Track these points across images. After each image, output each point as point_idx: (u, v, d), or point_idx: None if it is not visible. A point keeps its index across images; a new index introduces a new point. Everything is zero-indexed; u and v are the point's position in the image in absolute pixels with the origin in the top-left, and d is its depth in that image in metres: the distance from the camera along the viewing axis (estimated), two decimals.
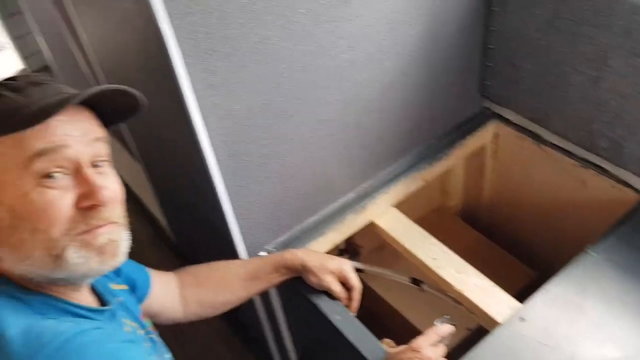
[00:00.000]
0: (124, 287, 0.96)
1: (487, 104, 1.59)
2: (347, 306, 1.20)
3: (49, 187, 0.68)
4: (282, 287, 1.40)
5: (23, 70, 3.49)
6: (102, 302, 0.84)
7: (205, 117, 1.06)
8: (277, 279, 1.18)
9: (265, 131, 1.16)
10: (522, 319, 1.12)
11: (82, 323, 0.68)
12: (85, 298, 0.80)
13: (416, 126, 1.46)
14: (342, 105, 1.25)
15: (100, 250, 0.72)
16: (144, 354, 0.72)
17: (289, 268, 1.17)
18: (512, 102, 1.49)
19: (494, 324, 1.19)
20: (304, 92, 1.17)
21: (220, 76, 1.03)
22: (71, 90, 0.74)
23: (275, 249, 1.34)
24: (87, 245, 0.71)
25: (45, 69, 3.41)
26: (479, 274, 1.32)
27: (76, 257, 0.70)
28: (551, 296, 1.15)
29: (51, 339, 0.63)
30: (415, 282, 1.49)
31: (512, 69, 1.42)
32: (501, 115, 1.58)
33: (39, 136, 0.67)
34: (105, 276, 0.90)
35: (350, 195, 1.44)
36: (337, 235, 1.41)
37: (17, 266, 0.70)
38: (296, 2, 1.05)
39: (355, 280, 1.20)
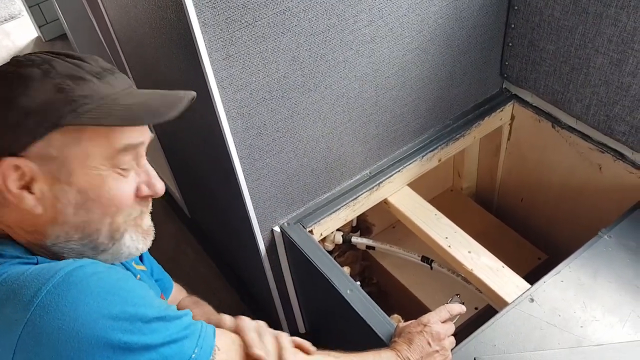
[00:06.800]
0: (144, 268, 0.97)
1: (506, 84, 1.58)
2: None
3: (121, 175, 0.72)
4: (293, 261, 1.42)
5: (38, 44, 3.49)
6: None
7: (221, 89, 1.06)
8: None
9: (281, 105, 1.16)
10: (531, 300, 1.12)
11: (79, 260, 0.69)
12: None
13: (434, 105, 1.45)
14: (360, 82, 1.25)
15: (146, 233, 0.78)
16: (146, 288, 0.72)
17: None
18: (531, 83, 1.47)
19: (503, 303, 1.19)
20: (323, 67, 1.16)
21: (239, 47, 1.03)
22: (133, 83, 0.76)
23: (287, 224, 1.35)
24: (137, 229, 0.76)
25: (62, 37, 3.41)
26: (490, 254, 1.32)
27: (129, 240, 0.75)
28: (562, 278, 1.15)
29: (52, 274, 0.63)
30: (426, 260, 1.50)
31: (533, 50, 1.41)
32: (519, 97, 1.56)
33: (129, 132, 0.71)
34: None
35: (365, 172, 1.44)
36: (349, 212, 1.41)
37: (64, 244, 0.72)
38: None
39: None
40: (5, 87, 0.67)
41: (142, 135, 0.73)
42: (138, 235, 0.77)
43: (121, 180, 0.72)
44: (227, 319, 0.90)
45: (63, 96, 0.67)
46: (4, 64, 0.71)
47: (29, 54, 0.71)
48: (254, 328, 0.85)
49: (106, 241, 0.73)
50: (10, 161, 0.66)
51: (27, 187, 0.69)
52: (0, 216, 0.71)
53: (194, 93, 0.76)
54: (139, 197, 0.75)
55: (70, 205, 0.70)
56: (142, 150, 0.74)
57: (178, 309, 1.05)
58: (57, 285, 0.62)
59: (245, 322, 0.87)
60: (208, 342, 0.70)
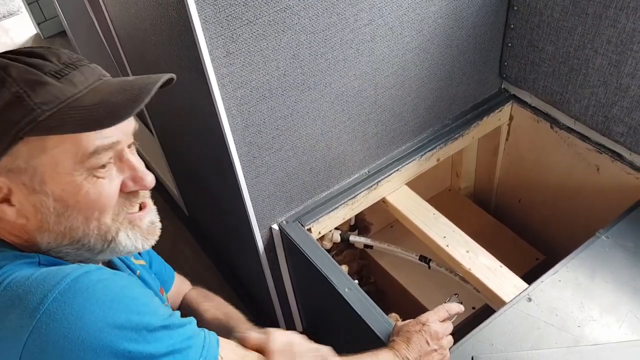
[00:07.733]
0: (143, 262, 0.97)
1: (505, 85, 1.58)
2: None
3: (99, 177, 0.69)
4: (291, 259, 1.42)
5: (37, 41, 3.49)
6: None
7: (222, 86, 1.06)
8: None
9: (281, 103, 1.16)
10: (529, 299, 1.12)
11: (85, 266, 0.68)
12: None
13: (433, 105, 1.45)
14: (360, 80, 1.25)
15: (146, 232, 0.77)
16: (150, 295, 0.72)
17: None
18: (530, 84, 1.48)
19: (500, 303, 1.20)
20: (323, 65, 1.17)
21: (239, 44, 1.03)
22: (104, 73, 0.72)
23: (286, 222, 1.35)
24: (135, 227, 0.75)
25: (61, 34, 3.41)
26: (488, 254, 1.33)
27: (125, 239, 0.74)
28: (559, 278, 1.16)
29: (58, 281, 0.63)
30: (424, 259, 1.50)
31: (533, 51, 1.41)
32: (518, 97, 1.57)
33: (97, 133, 0.67)
34: None
35: (364, 171, 1.44)
36: (348, 211, 1.42)
37: (57, 248, 0.72)
38: None
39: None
40: None
41: (115, 134, 0.69)
42: (136, 234, 0.75)
43: (99, 183, 0.69)
44: (252, 336, 0.84)
45: (20, 106, 0.64)
46: None
47: None
48: (282, 351, 0.82)
49: (99, 244, 0.72)
50: None
51: (7, 200, 0.68)
52: None
53: (170, 75, 0.72)
54: (125, 192, 0.73)
55: (51, 214, 0.69)
56: (121, 147, 0.71)
57: (185, 303, 1.07)
58: (63, 292, 0.62)
59: (274, 342, 0.82)
60: (212, 352, 0.71)
